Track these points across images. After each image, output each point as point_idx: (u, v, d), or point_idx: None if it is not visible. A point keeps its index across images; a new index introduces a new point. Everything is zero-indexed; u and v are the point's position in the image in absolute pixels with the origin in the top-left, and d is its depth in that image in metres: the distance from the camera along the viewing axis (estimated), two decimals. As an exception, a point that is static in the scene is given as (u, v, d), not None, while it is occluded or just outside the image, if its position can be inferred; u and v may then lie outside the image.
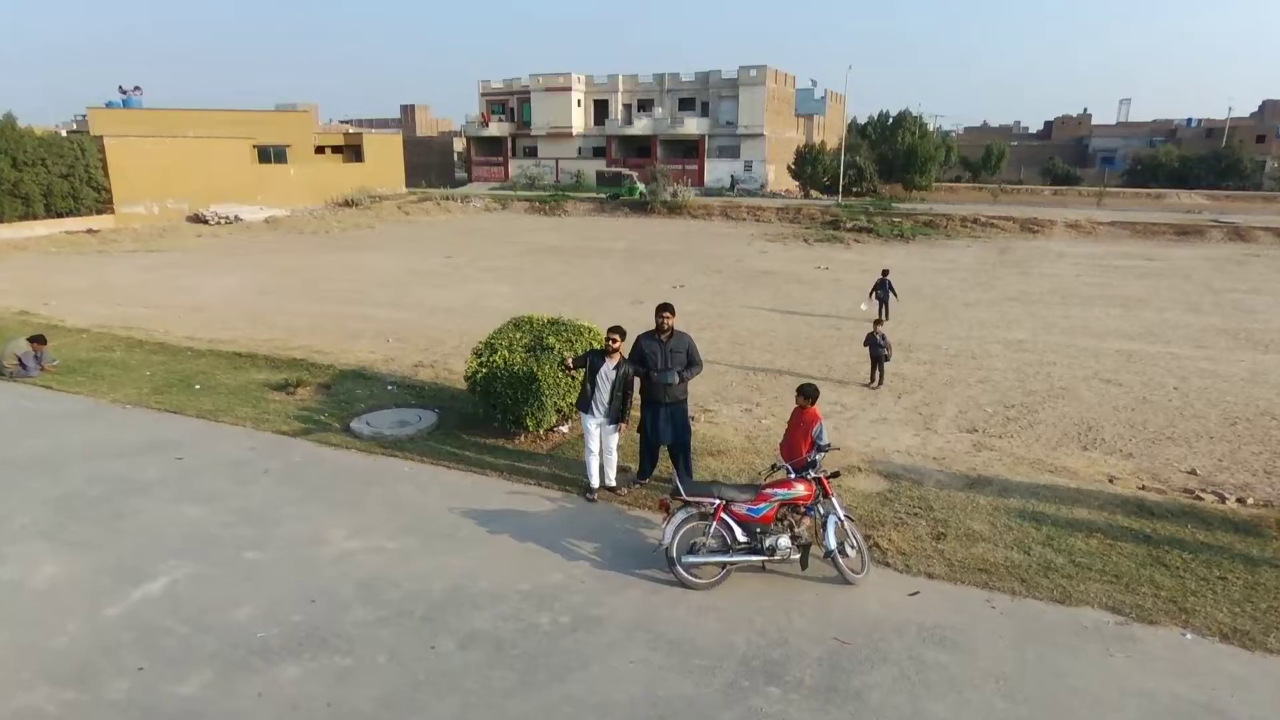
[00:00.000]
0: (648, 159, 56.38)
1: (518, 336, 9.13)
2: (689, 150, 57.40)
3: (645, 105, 58.60)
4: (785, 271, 26.00)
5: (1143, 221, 37.36)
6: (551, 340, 8.93)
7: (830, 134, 72.59)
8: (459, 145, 76.27)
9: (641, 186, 47.84)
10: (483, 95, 63.70)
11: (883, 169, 61.14)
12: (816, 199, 51.06)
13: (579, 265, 27.02)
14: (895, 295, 18.36)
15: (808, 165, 50.83)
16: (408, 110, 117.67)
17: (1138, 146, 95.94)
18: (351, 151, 52.80)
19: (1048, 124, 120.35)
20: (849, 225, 38.49)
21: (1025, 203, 51.41)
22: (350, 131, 53.48)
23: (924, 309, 19.69)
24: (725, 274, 25.24)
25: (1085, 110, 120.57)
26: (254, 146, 45.37)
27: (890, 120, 77.55)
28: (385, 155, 52.56)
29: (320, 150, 52.18)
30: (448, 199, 49.28)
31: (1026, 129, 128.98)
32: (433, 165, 69.71)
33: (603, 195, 48.80)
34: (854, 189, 57.65)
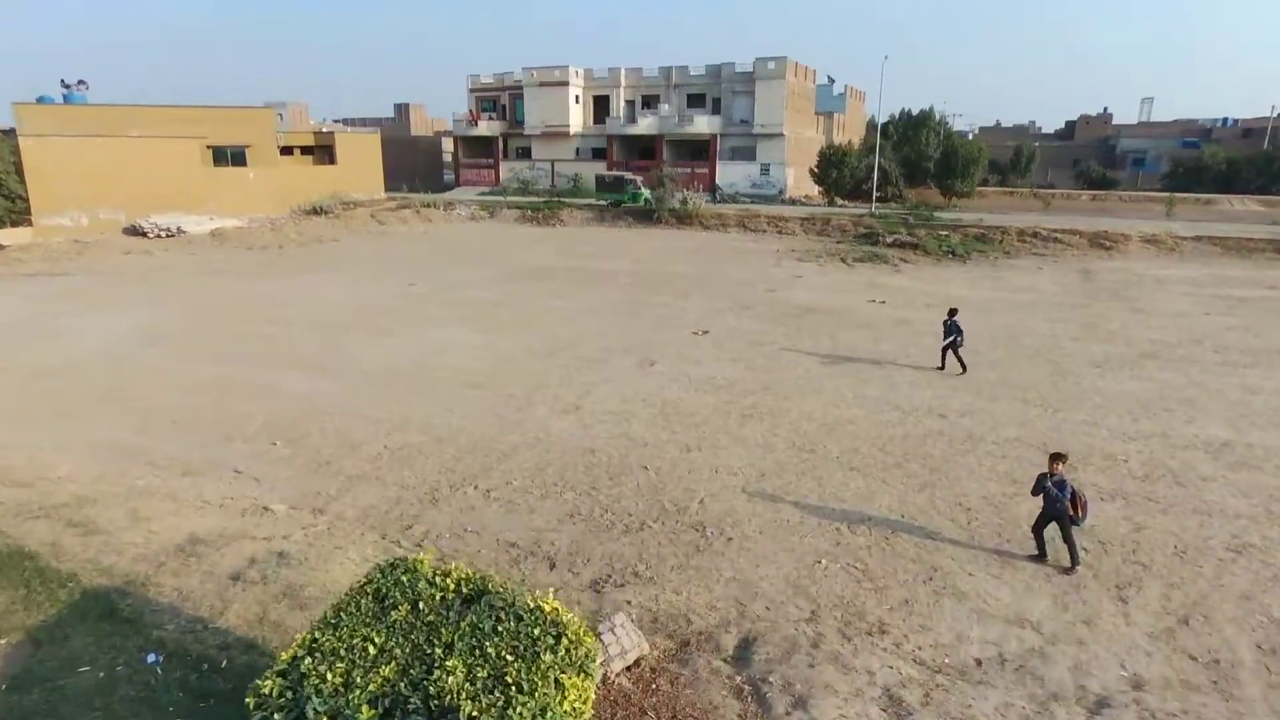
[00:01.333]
0: (653, 161, 51.01)
1: (369, 646, 3.68)
2: (698, 151, 52.04)
3: (650, 102, 53.21)
4: (832, 306, 20.64)
5: (1234, 237, 31.97)
6: (453, 672, 3.39)
7: (850, 134, 67.28)
8: (449, 146, 70.94)
9: (646, 193, 42.50)
10: (472, 91, 58.19)
11: (907, 172, 56.06)
12: (843, 207, 45.72)
13: (573, 297, 21.68)
14: (960, 341, 14.39)
15: (833, 169, 45.44)
16: (402, 109, 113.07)
17: (1171, 148, 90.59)
18: (323, 153, 47.50)
19: (1069, 124, 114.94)
20: (889, 240, 33.14)
21: (1066, 210, 46.06)
22: (321, 130, 48.23)
23: (1044, 374, 14.30)
24: (758, 311, 19.88)
25: (1105, 110, 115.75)
26: (208, 147, 40.09)
27: (911, 119, 72.72)
28: (360, 156, 47.23)
29: (287, 151, 46.85)
30: (429, 206, 43.95)
31: (1040, 129, 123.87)
32: (419, 168, 64.37)
33: (603, 202, 43.50)
34: (876, 194, 52.50)
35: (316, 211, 41.55)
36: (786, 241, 34.76)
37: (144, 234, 34.03)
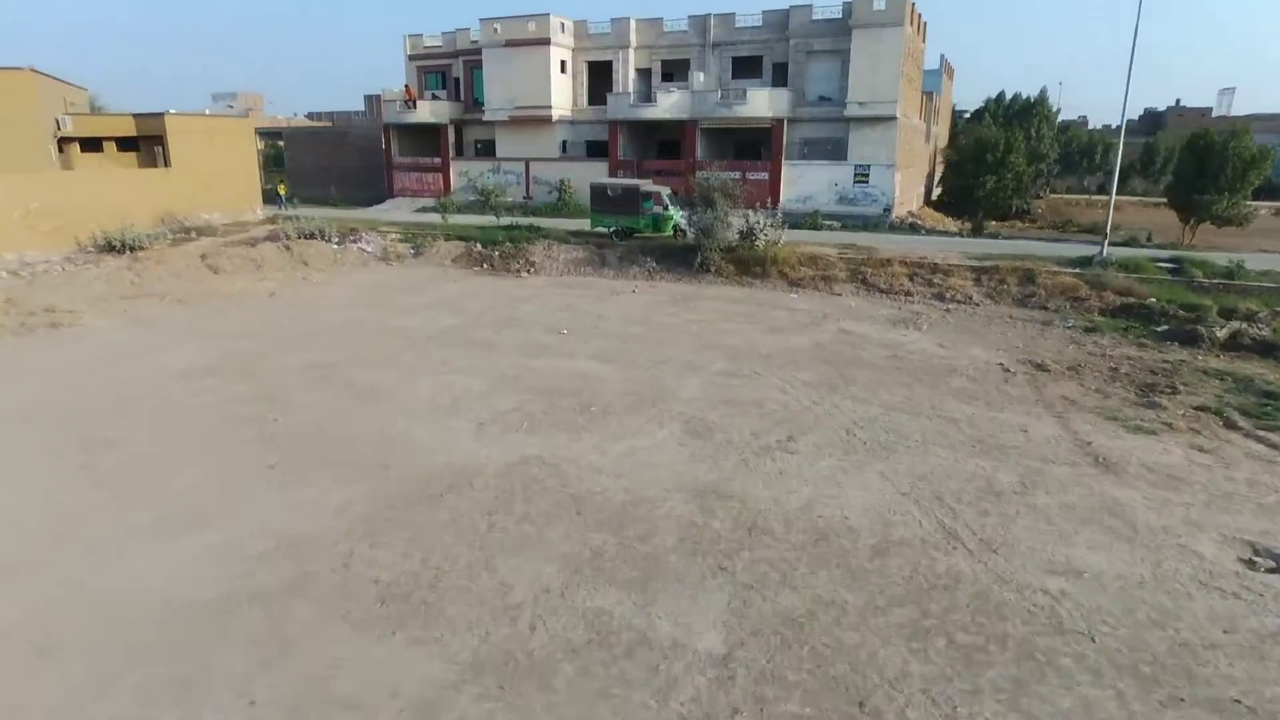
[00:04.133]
0: (680, 161, 33.37)
1: None
2: (749, 146, 34.42)
3: (676, 70, 35.57)
4: None
5: None
6: None
7: (940, 126, 49.86)
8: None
9: (677, 216, 25.00)
10: (411, 58, 40.32)
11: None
12: (995, 238, 28.01)
13: None
14: None
15: (987, 175, 27.53)
16: (373, 101, 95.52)
17: (1308, 144, 73.39)
18: (153, 146, 29.78)
19: (1153, 117, 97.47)
20: (1220, 333, 15.43)
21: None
22: (143, 114, 30.11)
23: None
24: None
25: (1178, 101, 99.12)
26: (-96, 138, 22.46)
27: (1012, 106, 55.42)
28: (214, 156, 29.42)
29: (92, 147, 29.22)
30: (311, 236, 26.17)
31: (1086, 120, 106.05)
32: (350, 170, 46.72)
33: (602, 228, 25.97)
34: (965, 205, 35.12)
35: (114, 248, 23.92)
36: (980, 329, 16.97)
37: None
